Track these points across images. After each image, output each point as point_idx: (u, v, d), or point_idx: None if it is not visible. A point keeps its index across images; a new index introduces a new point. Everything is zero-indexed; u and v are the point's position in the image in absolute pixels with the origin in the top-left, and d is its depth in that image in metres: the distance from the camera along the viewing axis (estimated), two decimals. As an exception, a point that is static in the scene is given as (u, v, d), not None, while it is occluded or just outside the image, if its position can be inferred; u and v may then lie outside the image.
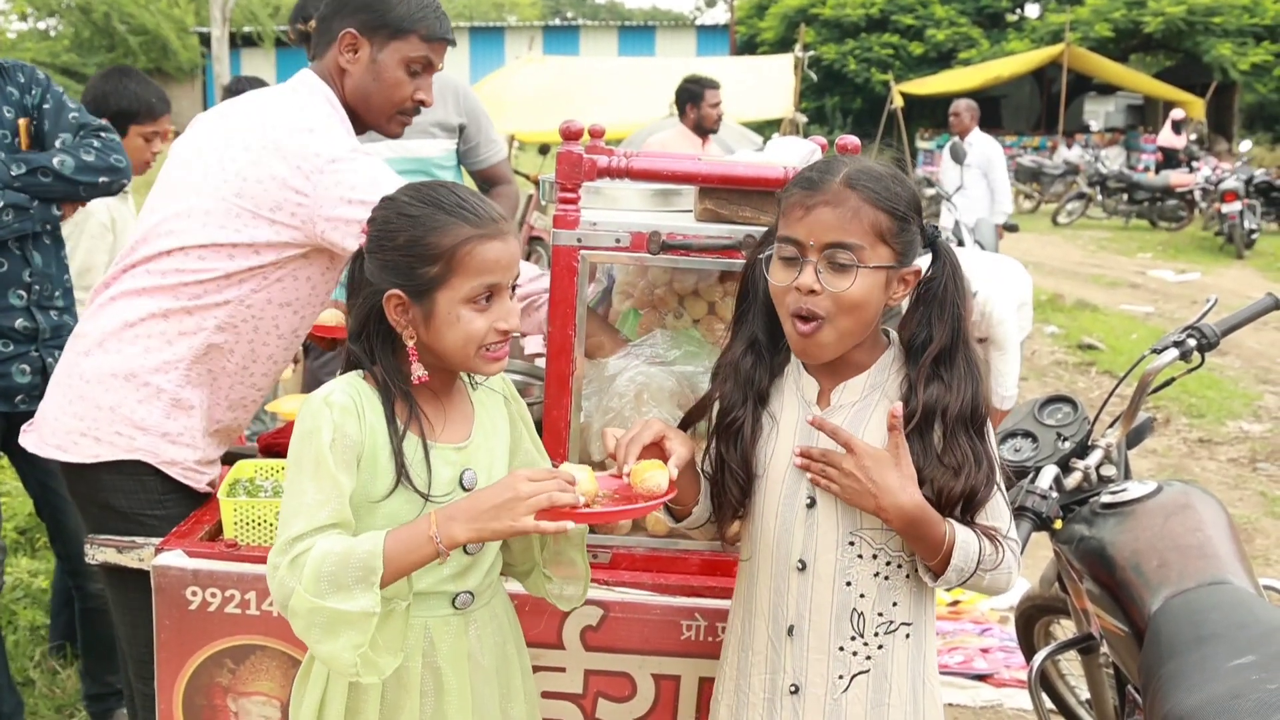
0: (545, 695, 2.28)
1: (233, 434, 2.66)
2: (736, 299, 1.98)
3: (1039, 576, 3.12)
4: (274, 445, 2.77)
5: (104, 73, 3.89)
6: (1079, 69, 24.62)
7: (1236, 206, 15.24)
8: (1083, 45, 24.77)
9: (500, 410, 1.99)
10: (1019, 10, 30.13)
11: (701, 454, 2.01)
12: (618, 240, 2.18)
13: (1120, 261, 15.08)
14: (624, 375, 2.29)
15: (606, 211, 2.30)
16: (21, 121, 3.08)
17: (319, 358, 3.66)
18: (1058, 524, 2.64)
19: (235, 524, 2.31)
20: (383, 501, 1.79)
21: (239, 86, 4.74)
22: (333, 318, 2.91)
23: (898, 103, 20.57)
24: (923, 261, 1.86)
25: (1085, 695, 3.16)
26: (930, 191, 8.55)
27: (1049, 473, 2.65)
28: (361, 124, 2.55)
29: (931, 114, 25.78)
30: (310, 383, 4.15)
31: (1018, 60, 25.24)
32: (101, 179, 3.11)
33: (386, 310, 1.80)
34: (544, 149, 13.33)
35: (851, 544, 1.85)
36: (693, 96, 7.16)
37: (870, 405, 1.86)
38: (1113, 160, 22.25)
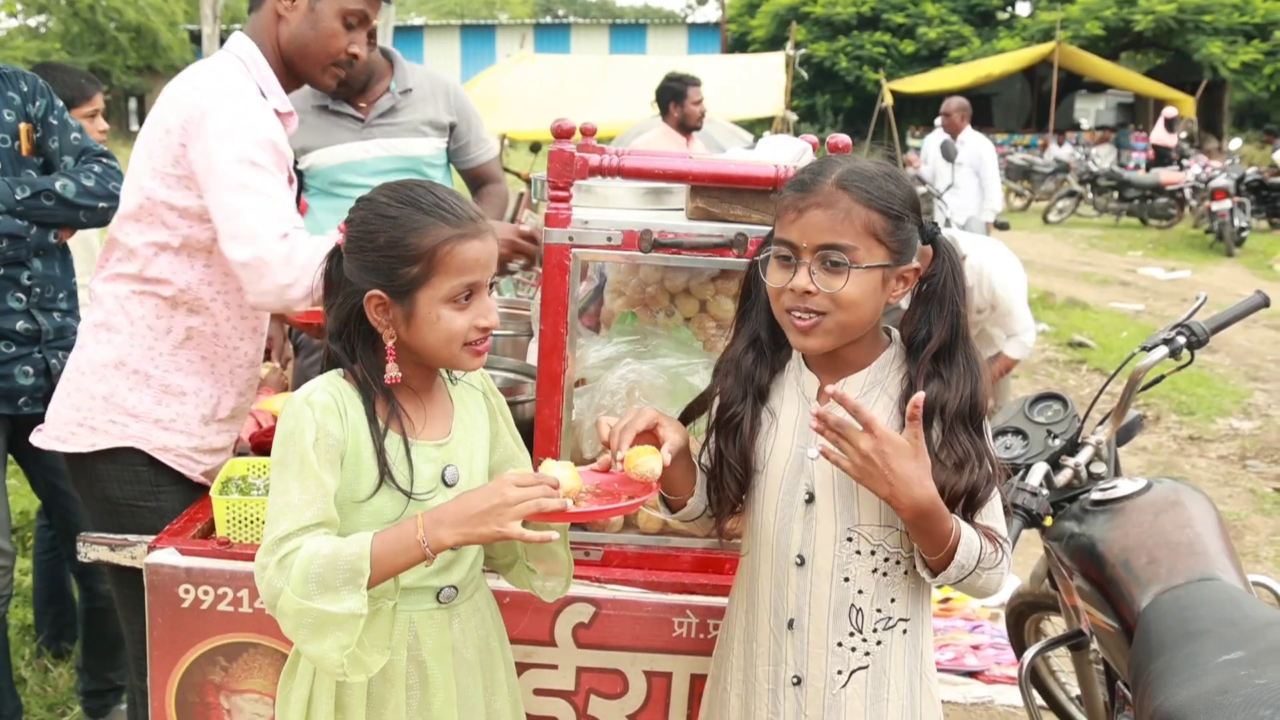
0: (537, 692, 2.29)
1: (244, 414, 2.70)
2: (739, 297, 2.00)
3: (1029, 573, 3.13)
4: (266, 443, 2.77)
5: (40, 67, 3.96)
6: (1070, 67, 24.67)
7: (1226, 204, 15.29)
8: (1073, 43, 24.83)
9: (479, 405, 2.00)
10: (1010, 8, 30.20)
11: (700, 448, 2.02)
12: (609, 239, 2.19)
13: (1111, 259, 15.11)
14: (615, 373, 2.29)
15: (598, 210, 2.30)
16: (23, 126, 3.09)
17: (309, 356, 3.65)
18: (1048, 521, 2.65)
19: (228, 522, 2.31)
20: (367, 500, 1.80)
21: None
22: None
23: (888, 101, 20.58)
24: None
25: (1075, 691, 3.18)
26: (921, 190, 8.56)
27: (1039, 470, 2.66)
28: (295, 76, 2.58)
29: (923, 112, 25.82)
30: (301, 381, 4.15)
31: (1009, 58, 25.29)
32: (100, 204, 3.15)
33: (367, 310, 1.81)
34: (535, 147, 13.32)
35: (850, 540, 1.86)
36: (675, 95, 7.12)
37: (870, 402, 1.86)
38: (1103, 158, 22.30)
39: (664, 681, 2.29)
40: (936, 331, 1.83)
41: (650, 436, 1.86)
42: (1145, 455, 6.61)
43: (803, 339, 1.83)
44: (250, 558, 2.17)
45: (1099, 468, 2.72)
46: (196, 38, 21.69)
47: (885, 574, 1.87)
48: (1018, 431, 2.80)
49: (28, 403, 3.13)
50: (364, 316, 1.82)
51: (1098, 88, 28.19)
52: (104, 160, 3.22)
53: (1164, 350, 2.68)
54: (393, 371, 1.82)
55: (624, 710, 2.31)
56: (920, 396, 1.73)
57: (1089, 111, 28.79)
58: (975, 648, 4.19)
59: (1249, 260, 14.74)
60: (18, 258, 3.09)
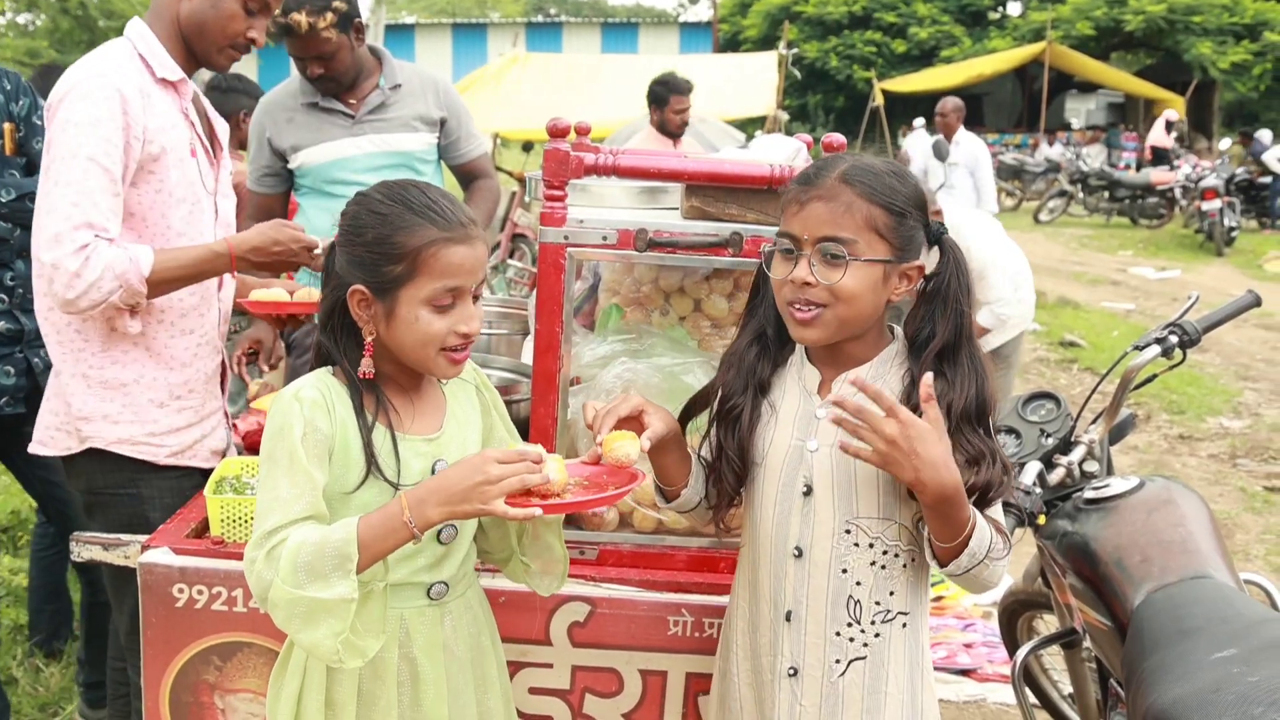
0: (532, 691, 2.29)
1: (209, 383, 2.68)
2: (750, 292, 2.02)
3: (1022, 572, 3.14)
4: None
5: (41, 70, 3.94)
6: (1060, 67, 24.74)
7: (1217, 204, 15.35)
8: (1064, 43, 24.90)
9: (472, 401, 2.00)
10: (1001, 8, 30.25)
11: (700, 440, 2.03)
12: (604, 238, 2.19)
13: (1101, 259, 15.15)
14: (610, 371, 2.29)
15: (593, 209, 2.31)
16: (6, 126, 3.08)
17: (301, 355, 3.65)
18: (1041, 519, 2.66)
19: (221, 521, 2.31)
20: (354, 493, 1.80)
21: (223, 84, 4.72)
22: (271, 295, 2.87)
23: (879, 100, 20.62)
24: (930, 258, 1.87)
25: (1068, 689, 3.18)
26: None
27: (1032, 468, 2.66)
28: (192, 55, 2.60)
29: (914, 111, 25.84)
30: (293, 379, 4.15)
31: (1000, 58, 25.35)
32: None
33: (350, 305, 1.82)
34: (527, 146, 13.33)
35: (848, 532, 1.86)
36: (658, 99, 7.12)
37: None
38: (1094, 158, 22.35)
39: (659, 680, 2.30)
40: (940, 331, 1.84)
41: (635, 423, 1.87)
42: (1136, 454, 6.63)
43: (802, 330, 1.84)
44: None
45: (1092, 466, 2.73)
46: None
47: (884, 567, 1.88)
48: (1011, 430, 2.81)
49: (9, 403, 3.14)
50: (348, 310, 1.83)
51: (1088, 88, 28.25)
52: None
53: (1156, 349, 2.69)
54: (365, 366, 1.83)
55: (619, 709, 2.31)
56: (929, 378, 1.72)
57: (1080, 111, 28.83)
58: (968, 646, 4.19)
59: (1239, 260, 14.79)
60: (1, 259, 3.08)
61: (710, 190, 2.22)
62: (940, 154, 8.68)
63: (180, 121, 2.57)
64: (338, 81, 3.51)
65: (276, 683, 1.92)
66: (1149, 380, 2.79)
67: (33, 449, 2.61)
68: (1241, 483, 6.19)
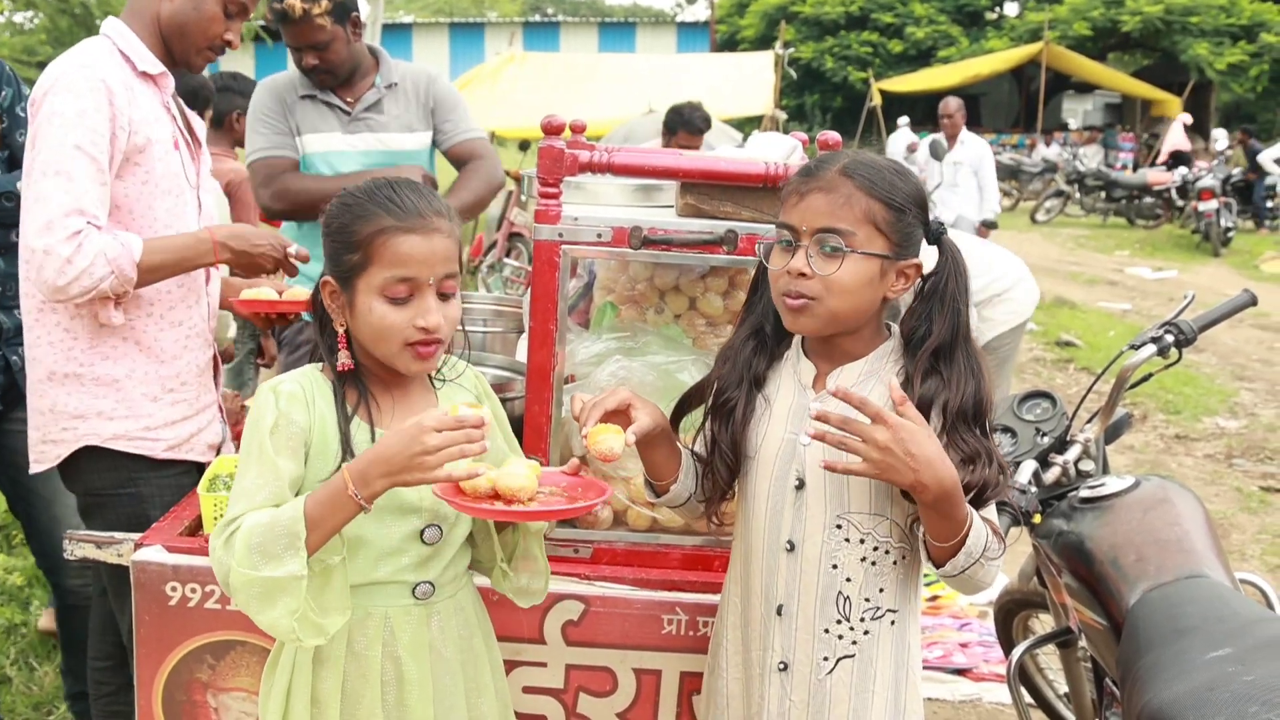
0: (526, 690, 2.29)
1: (201, 376, 2.68)
2: (749, 290, 2.02)
3: (1018, 571, 3.13)
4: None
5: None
6: (1057, 67, 24.75)
7: (1213, 205, 15.36)
8: (1061, 44, 24.90)
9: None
10: (998, 8, 30.27)
11: (694, 435, 2.03)
12: (599, 235, 2.18)
13: (1098, 259, 15.16)
14: (605, 369, 2.29)
15: (588, 207, 2.30)
16: None
17: (294, 353, 3.63)
18: (1036, 518, 2.66)
19: (215, 519, 2.30)
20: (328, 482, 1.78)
21: (220, 83, 4.72)
22: (260, 294, 2.87)
23: (876, 100, 20.62)
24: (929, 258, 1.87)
25: (1063, 689, 3.18)
26: None
27: (1028, 467, 2.66)
28: (170, 55, 2.61)
29: (910, 111, 25.84)
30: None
31: (996, 58, 25.36)
32: None
33: (323, 295, 1.84)
34: (524, 145, 13.32)
35: (839, 527, 1.86)
36: (669, 127, 7.04)
37: (866, 390, 1.85)
38: (1091, 158, 22.39)
39: (653, 679, 2.29)
40: (936, 329, 1.84)
41: (623, 417, 1.86)
42: (1132, 454, 6.63)
43: (794, 319, 1.84)
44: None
45: (1087, 465, 2.73)
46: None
47: (874, 563, 1.87)
48: (1006, 429, 2.80)
49: None
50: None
51: (1085, 88, 28.27)
52: None
53: (1152, 348, 2.69)
54: (343, 359, 1.83)
55: (613, 708, 2.31)
56: (895, 383, 1.73)
57: (1076, 112, 28.86)
58: (963, 645, 4.19)
59: (1235, 260, 14.80)
60: None
61: (705, 188, 2.22)
62: (937, 153, 8.67)
63: (163, 115, 2.58)
64: (333, 74, 3.50)
65: (267, 681, 1.92)
66: (1145, 379, 2.79)
67: (32, 469, 2.62)
68: (1237, 482, 6.19)
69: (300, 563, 1.66)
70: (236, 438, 2.80)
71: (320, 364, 1.87)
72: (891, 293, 1.84)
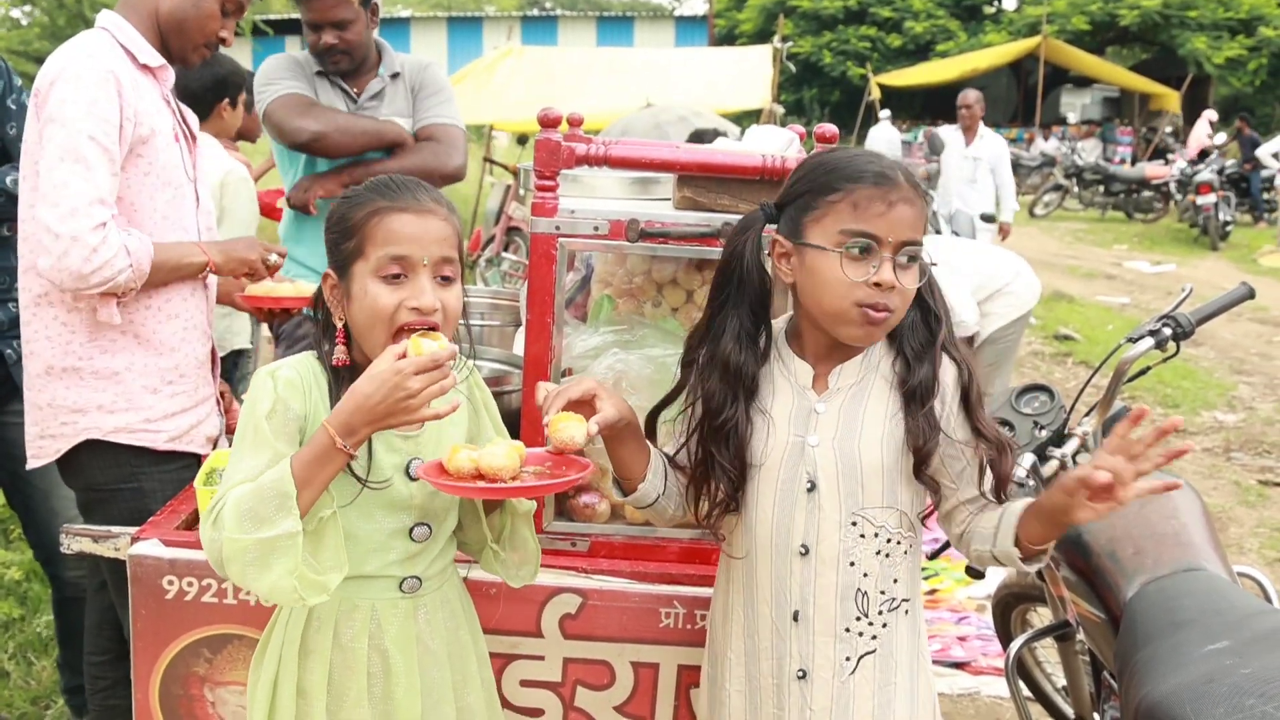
0: (524, 684, 2.28)
1: (200, 368, 2.68)
2: (714, 288, 1.92)
3: (1015, 564, 3.13)
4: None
5: None
6: (1056, 61, 24.75)
7: (1211, 199, 15.36)
8: (1059, 38, 24.90)
9: (460, 401, 1.96)
10: (996, 3, 30.25)
11: (675, 444, 1.99)
12: (596, 228, 2.18)
13: (1096, 253, 15.16)
14: (602, 362, 2.29)
15: (585, 199, 2.30)
16: None
17: (290, 347, 3.62)
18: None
19: (212, 513, 2.30)
20: None
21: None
22: (263, 289, 2.88)
23: (875, 94, 20.60)
24: None
25: (1061, 682, 3.18)
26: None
27: (1026, 460, 2.65)
28: (167, 51, 2.62)
29: (909, 105, 25.87)
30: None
31: (995, 52, 25.36)
32: None
33: (324, 290, 1.84)
34: (522, 139, 13.32)
35: (854, 524, 1.86)
36: None
37: (867, 386, 1.86)
38: (1089, 152, 22.39)
39: (651, 672, 2.29)
40: (928, 316, 1.87)
41: (587, 407, 1.80)
42: (1130, 448, 6.62)
43: (867, 331, 1.80)
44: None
45: (1085, 459, 2.72)
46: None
47: (887, 555, 1.87)
48: (1004, 423, 2.80)
49: None
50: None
51: (1083, 82, 28.25)
52: None
53: (1150, 341, 2.68)
54: (339, 354, 1.83)
55: (611, 701, 2.31)
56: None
57: (1075, 106, 28.84)
58: (962, 639, 4.20)
59: (1233, 254, 14.81)
60: None
61: (703, 181, 2.22)
62: (935, 147, 8.64)
63: (163, 107, 2.58)
64: (349, 56, 3.49)
65: (255, 671, 1.92)
66: (1143, 373, 2.79)
67: (30, 464, 2.62)
68: (1236, 476, 6.19)
69: (294, 520, 1.66)
70: (230, 430, 2.80)
71: (317, 352, 1.87)
72: None
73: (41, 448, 2.58)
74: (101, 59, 2.43)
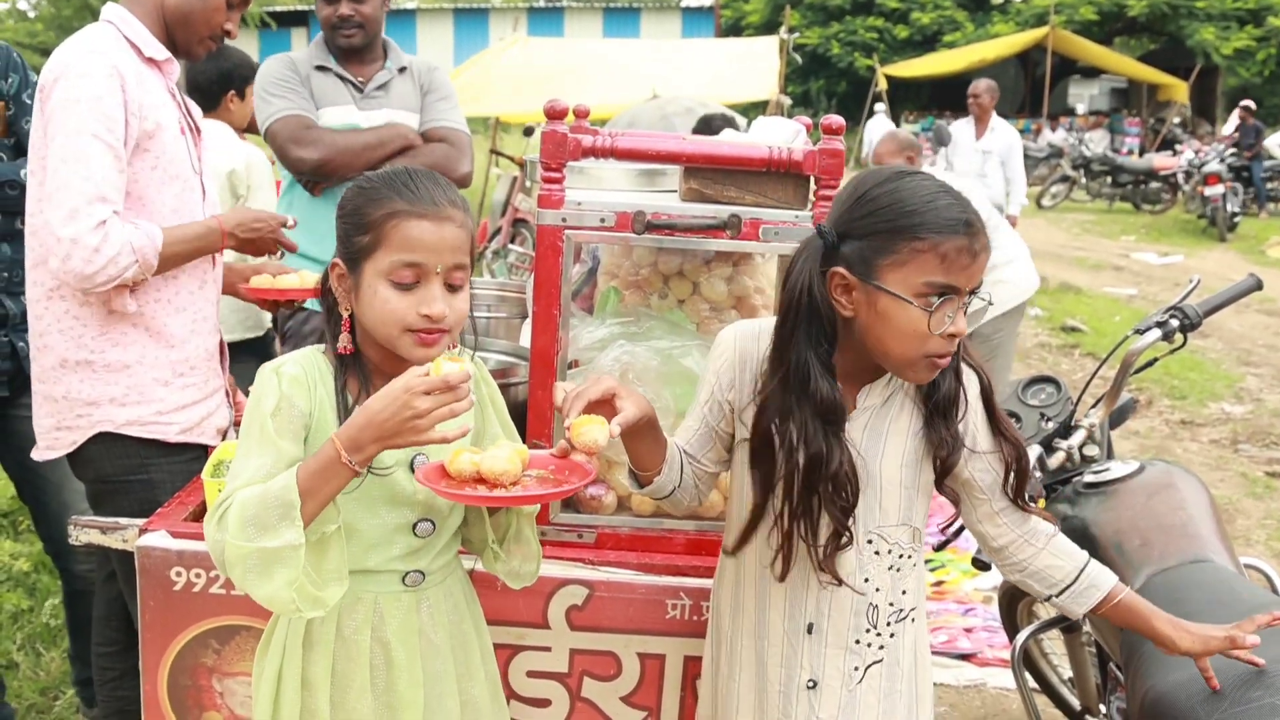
0: (530, 675, 2.29)
1: (209, 360, 2.69)
2: (784, 323, 1.81)
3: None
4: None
5: None
6: (1063, 52, 24.64)
7: (1219, 189, 15.30)
8: (1067, 28, 24.80)
9: (470, 426, 1.95)
10: (1003, -7, 30.13)
11: (687, 435, 1.97)
12: (602, 220, 2.18)
13: (1104, 244, 15.13)
14: (609, 354, 2.29)
15: (591, 191, 2.30)
16: None
17: (299, 344, 3.60)
18: (1041, 503, 2.65)
19: (219, 505, 2.30)
20: None
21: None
22: (268, 281, 2.89)
23: (882, 85, 20.55)
24: None
25: (1068, 674, 3.18)
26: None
27: (1032, 452, 2.66)
28: (172, 44, 2.62)
29: (916, 97, 25.80)
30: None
31: (1002, 43, 25.25)
32: None
33: (331, 278, 1.83)
34: (528, 131, 13.29)
35: (869, 542, 1.87)
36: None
37: (895, 405, 1.87)
38: (1097, 143, 22.31)
39: (657, 663, 2.30)
40: None
41: (607, 407, 1.77)
42: (1138, 439, 6.62)
43: (929, 374, 1.78)
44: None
45: (1092, 450, 2.72)
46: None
47: (899, 570, 1.89)
48: (1011, 414, 2.80)
49: None
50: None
51: (1091, 73, 28.14)
52: None
53: (1157, 333, 2.68)
54: (344, 342, 1.82)
55: (617, 692, 2.31)
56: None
57: (1083, 96, 28.73)
58: (968, 631, 4.20)
59: (1241, 245, 14.76)
60: None
61: (709, 172, 2.21)
62: (942, 138, 8.60)
63: (169, 100, 2.58)
64: (363, 30, 3.49)
65: (259, 664, 1.92)
66: (1149, 364, 2.78)
67: (38, 455, 2.63)
68: (1243, 468, 6.18)
69: (296, 532, 1.65)
70: (238, 424, 2.80)
71: (323, 346, 1.87)
72: None
73: (57, 439, 2.58)
74: (105, 54, 2.43)
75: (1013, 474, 1.88)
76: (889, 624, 1.90)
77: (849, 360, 1.82)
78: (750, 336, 1.93)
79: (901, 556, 1.89)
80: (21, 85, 3.08)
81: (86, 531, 2.41)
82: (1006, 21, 27.50)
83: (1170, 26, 26.30)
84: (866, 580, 1.87)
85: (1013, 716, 3.69)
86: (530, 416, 2.23)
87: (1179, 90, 23.87)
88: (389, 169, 1.84)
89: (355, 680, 1.86)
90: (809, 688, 1.89)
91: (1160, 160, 18.26)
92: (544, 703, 2.31)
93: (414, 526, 1.86)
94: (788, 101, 10.75)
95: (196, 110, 2.81)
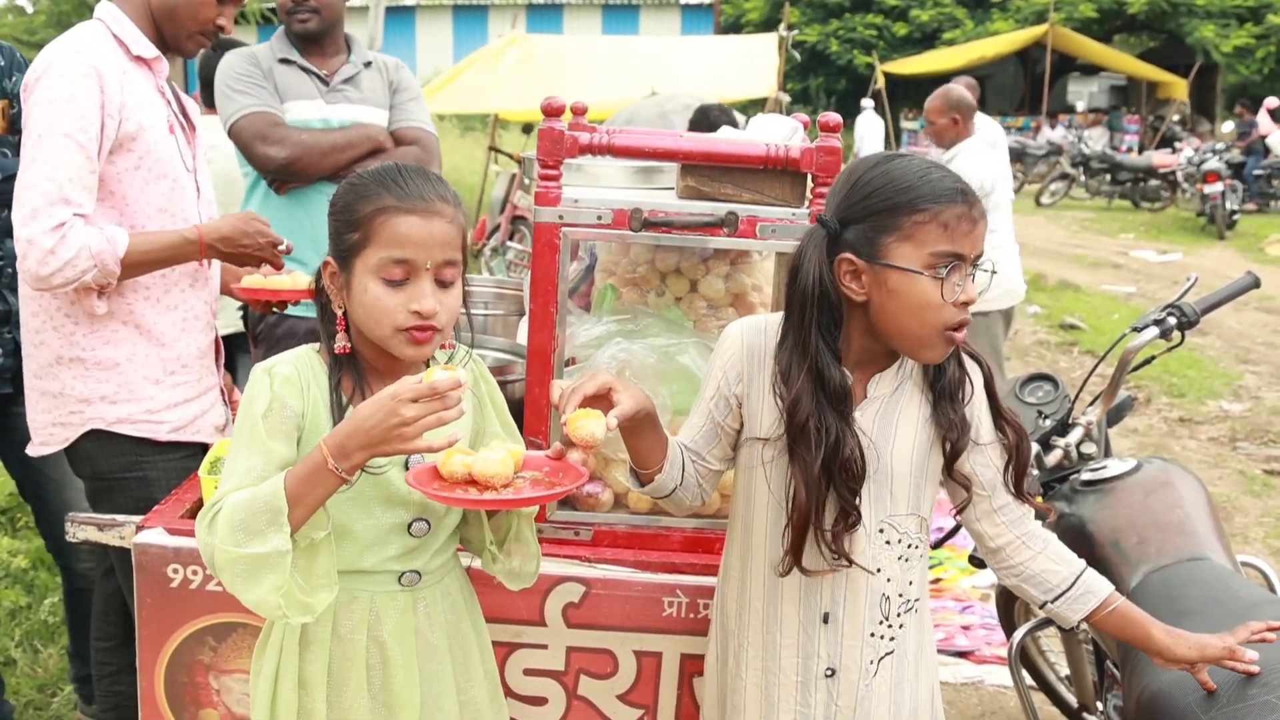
0: (527, 672, 2.29)
1: (202, 359, 2.68)
2: (792, 315, 1.83)
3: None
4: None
5: None
6: (1063, 49, 24.64)
7: (1218, 187, 15.29)
8: (1067, 25, 24.79)
9: (465, 395, 1.91)
10: (1003, -10, 30.12)
11: (690, 433, 1.97)
12: (599, 217, 2.18)
13: (1103, 242, 15.13)
14: (606, 352, 2.29)
15: (588, 189, 2.30)
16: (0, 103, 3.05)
17: (273, 347, 3.54)
18: (1039, 500, 2.65)
19: (216, 502, 2.30)
20: None
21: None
22: (258, 281, 2.86)
23: (880, 83, 20.54)
24: None
25: (1065, 671, 3.18)
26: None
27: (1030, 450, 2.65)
28: (162, 39, 2.62)
29: (916, 94, 25.69)
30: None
31: (1002, 40, 25.25)
32: None
33: (323, 276, 1.82)
34: (527, 128, 13.30)
35: (881, 531, 1.88)
36: (696, 129, 6.88)
37: (904, 394, 1.88)
38: (1096, 141, 22.30)
39: (654, 661, 2.29)
40: None
41: (604, 402, 1.76)
42: (1136, 437, 6.62)
43: (945, 350, 1.79)
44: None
45: (1089, 448, 2.73)
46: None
47: (908, 560, 1.90)
48: (1009, 412, 2.80)
49: None
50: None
51: (1091, 70, 28.14)
52: None
53: (1155, 331, 2.68)
54: (340, 341, 1.81)
55: (614, 690, 2.31)
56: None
57: (1082, 94, 28.73)
58: (966, 628, 4.20)
59: (1240, 243, 14.76)
60: None
61: (706, 170, 2.21)
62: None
63: (157, 99, 2.58)
64: (319, 15, 3.42)
65: (257, 661, 1.92)
66: (1147, 362, 2.79)
67: (34, 451, 2.63)
68: (1241, 466, 6.19)
69: (284, 538, 1.64)
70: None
71: (317, 345, 1.86)
72: None
73: (51, 435, 2.59)
74: (87, 55, 2.43)
75: (1012, 465, 1.89)
76: (899, 614, 1.91)
77: (858, 348, 1.85)
78: (756, 330, 1.93)
79: (910, 546, 1.90)
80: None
81: (84, 528, 2.41)
82: (1006, 19, 27.48)
83: (1170, 24, 26.28)
84: (879, 570, 1.88)
85: (1010, 714, 3.69)
86: (527, 414, 2.23)
87: (1178, 88, 23.87)
88: (380, 166, 1.82)
89: (351, 680, 1.85)
90: (827, 676, 1.90)
91: (1159, 158, 18.24)
92: (541, 701, 2.31)
93: (409, 526, 1.86)
94: (787, 99, 10.76)
95: (193, 107, 2.80)
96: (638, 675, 2.30)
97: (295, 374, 1.80)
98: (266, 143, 3.30)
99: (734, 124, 6.55)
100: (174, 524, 2.29)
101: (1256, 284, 2.81)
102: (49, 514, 3.31)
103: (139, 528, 2.29)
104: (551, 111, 2.15)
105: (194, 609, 2.25)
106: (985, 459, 1.91)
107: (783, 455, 1.86)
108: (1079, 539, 2.50)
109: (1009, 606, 3.22)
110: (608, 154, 2.19)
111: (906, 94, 25.89)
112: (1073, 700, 3.13)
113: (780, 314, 1.90)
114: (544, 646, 2.29)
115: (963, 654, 4.04)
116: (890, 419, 1.87)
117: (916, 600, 1.93)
